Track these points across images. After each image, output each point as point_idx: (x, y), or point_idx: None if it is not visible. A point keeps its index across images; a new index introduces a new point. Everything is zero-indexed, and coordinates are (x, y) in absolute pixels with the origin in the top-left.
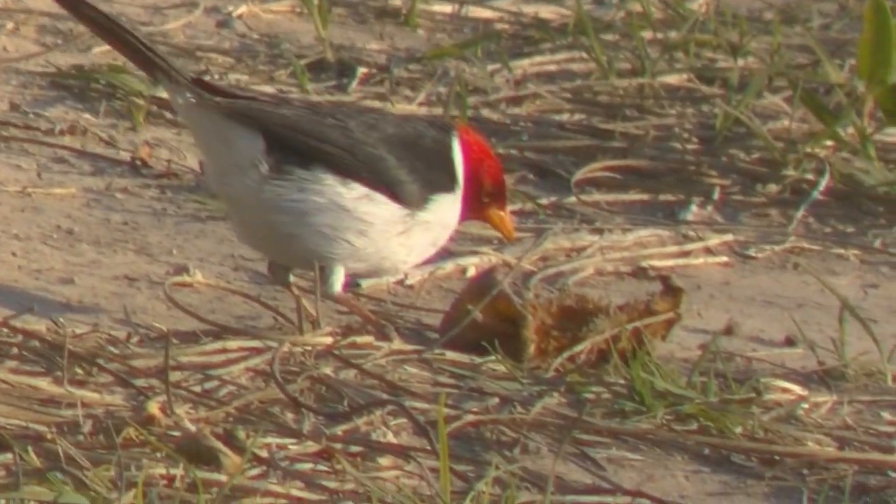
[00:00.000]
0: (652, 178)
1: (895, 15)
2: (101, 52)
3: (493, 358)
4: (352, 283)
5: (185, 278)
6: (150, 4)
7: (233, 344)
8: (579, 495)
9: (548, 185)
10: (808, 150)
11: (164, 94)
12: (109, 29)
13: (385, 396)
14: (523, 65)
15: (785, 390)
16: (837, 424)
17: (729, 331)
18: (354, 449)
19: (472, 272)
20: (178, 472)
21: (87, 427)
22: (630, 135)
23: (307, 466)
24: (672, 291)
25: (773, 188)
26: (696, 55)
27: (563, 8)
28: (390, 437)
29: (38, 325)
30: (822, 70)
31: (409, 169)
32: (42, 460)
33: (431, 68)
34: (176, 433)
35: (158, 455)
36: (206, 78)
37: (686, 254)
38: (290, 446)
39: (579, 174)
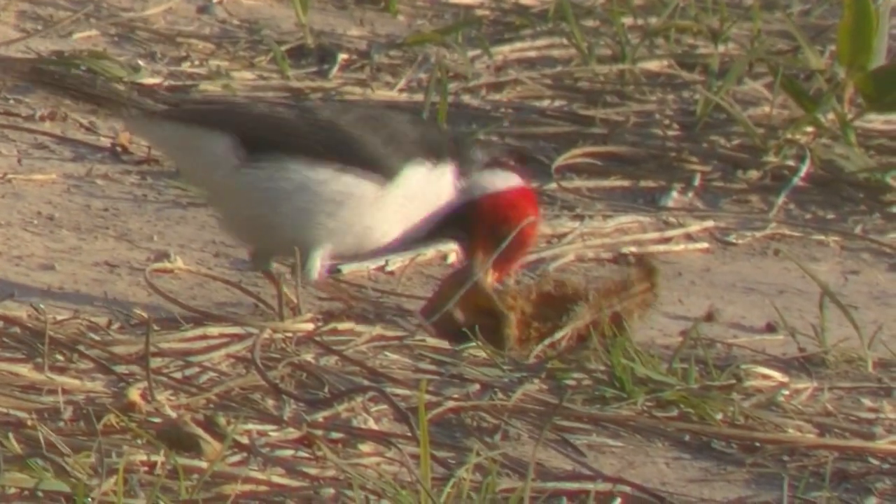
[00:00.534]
0: (632, 164)
1: (875, 0)
2: (82, 38)
3: (473, 345)
4: (332, 268)
5: (166, 264)
6: None
7: (213, 330)
8: (560, 482)
9: (528, 172)
10: (789, 136)
11: (144, 80)
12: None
13: (366, 383)
14: (504, 51)
15: (765, 377)
16: (818, 411)
17: (709, 317)
18: (335, 435)
19: (452, 258)
20: (158, 458)
21: (67, 413)
22: (611, 121)
23: (288, 453)
24: (647, 270)
25: (753, 174)
26: (676, 41)
27: None
28: (371, 424)
29: (19, 311)
30: (803, 56)
31: (381, 144)
32: (22, 447)
33: (412, 54)
34: (157, 420)
35: (139, 441)
36: (187, 64)
37: (667, 240)
38: (271, 433)
39: (560, 160)
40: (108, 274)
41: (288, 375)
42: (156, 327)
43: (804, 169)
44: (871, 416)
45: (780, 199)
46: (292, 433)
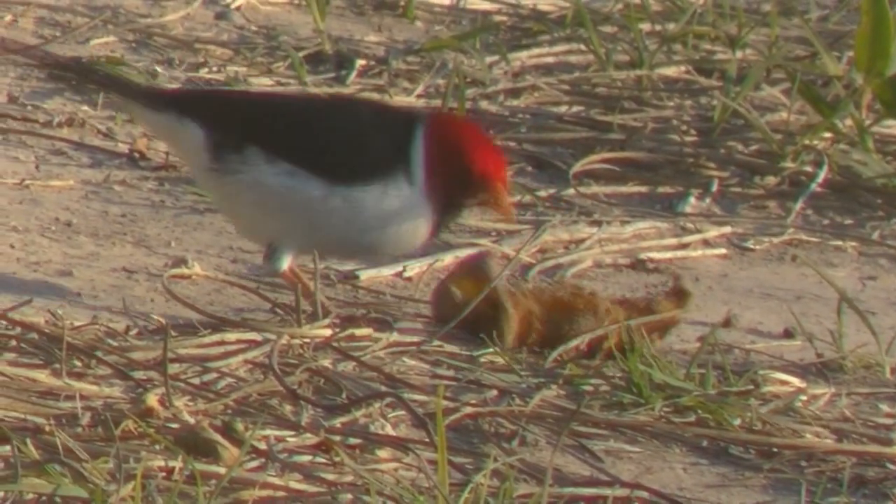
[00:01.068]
0: (650, 170)
1: (893, 6)
2: (99, 44)
3: (491, 350)
4: (350, 274)
5: (184, 270)
6: None
7: (231, 336)
8: (577, 487)
9: (546, 177)
10: (807, 142)
11: (162, 85)
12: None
13: (383, 388)
14: (521, 57)
15: (783, 382)
16: (835, 416)
17: (727, 323)
18: (353, 441)
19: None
20: (176, 464)
21: (85, 419)
22: (628, 127)
23: (305, 458)
24: (680, 293)
25: (771, 180)
26: (694, 47)
27: (561, 0)
28: (388, 430)
29: (37, 317)
30: (820, 62)
31: (341, 149)
32: (40, 452)
33: (430, 60)
34: (174, 425)
35: (157, 447)
36: (204, 70)
37: (684, 246)
38: (289, 438)
39: (577, 166)
40: (126, 280)
41: (305, 381)
42: (173, 333)
43: (822, 175)
44: (889, 421)
45: (798, 205)
46: (310, 439)
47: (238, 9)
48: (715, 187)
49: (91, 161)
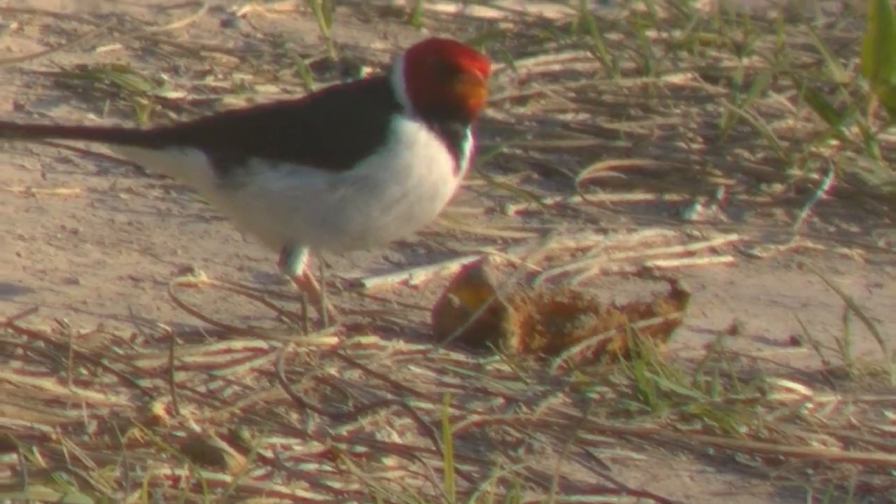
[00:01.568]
0: (656, 177)
1: None
2: (105, 52)
3: (496, 358)
4: (356, 282)
5: (190, 278)
6: (155, 4)
7: (237, 344)
8: (584, 495)
9: (552, 185)
10: (813, 149)
11: (168, 94)
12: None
13: (390, 396)
14: (528, 64)
15: (789, 390)
16: (842, 424)
17: (733, 330)
18: (359, 449)
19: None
20: (183, 472)
21: (91, 427)
22: (634, 134)
23: (312, 466)
24: (678, 295)
25: (777, 187)
26: (700, 54)
27: (568, 7)
28: (395, 437)
29: (43, 325)
30: (827, 69)
31: (334, 133)
32: (47, 460)
33: None
34: (181, 433)
35: (163, 455)
36: (210, 78)
37: (691, 253)
38: (295, 446)
39: (584, 174)
40: (132, 288)
41: (312, 389)
42: (180, 341)
43: (828, 182)
44: (895, 429)
45: (804, 213)
46: (316, 447)
47: (244, 16)
48: (721, 195)
49: (97, 169)
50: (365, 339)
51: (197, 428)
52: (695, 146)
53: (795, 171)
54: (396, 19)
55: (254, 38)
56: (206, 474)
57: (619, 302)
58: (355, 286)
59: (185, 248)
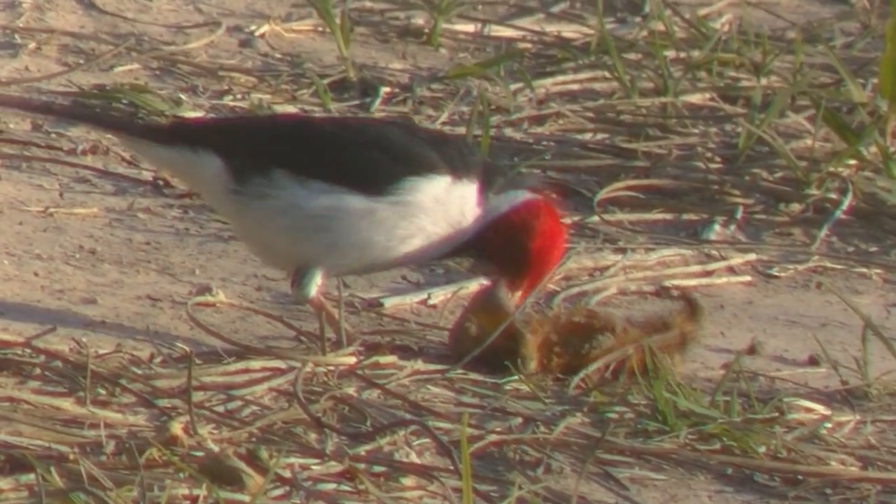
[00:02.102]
0: (675, 197)
1: None
2: (123, 72)
3: (515, 377)
4: (374, 302)
5: (208, 298)
6: (173, 24)
7: (256, 364)
8: None
9: (570, 205)
10: (831, 169)
11: (186, 114)
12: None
13: (408, 416)
14: (546, 84)
15: (808, 410)
16: (861, 444)
17: (752, 350)
18: (377, 469)
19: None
20: (201, 492)
21: (109, 447)
22: (653, 154)
23: (330, 487)
24: (693, 309)
25: (795, 207)
26: (718, 74)
27: (586, 27)
28: (413, 457)
29: (61, 345)
30: (845, 89)
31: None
32: (65, 481)
33: (454, 87)
34: (199, 453)
35: (181, 475)
36: (229, 98)
37: (709, 273)
38: (314, 466)
39: (602, 193)
40: (150, 308)
41: (330, 409)
42: (198, 361)
43: (846, 202)
44: None
45: (823, 232)
46: (335, 467)
47: (262, 36)
48: (740, 214)
49: (115, 189)
50: (383, 359)
51: (215, 448)
52: (713, 166)
53: (814, 191)
54: (415, 39)
55: (272, 57)
56: (224, 494)
57: (629, 320)
58: (374, 306)
59: (203, 267)
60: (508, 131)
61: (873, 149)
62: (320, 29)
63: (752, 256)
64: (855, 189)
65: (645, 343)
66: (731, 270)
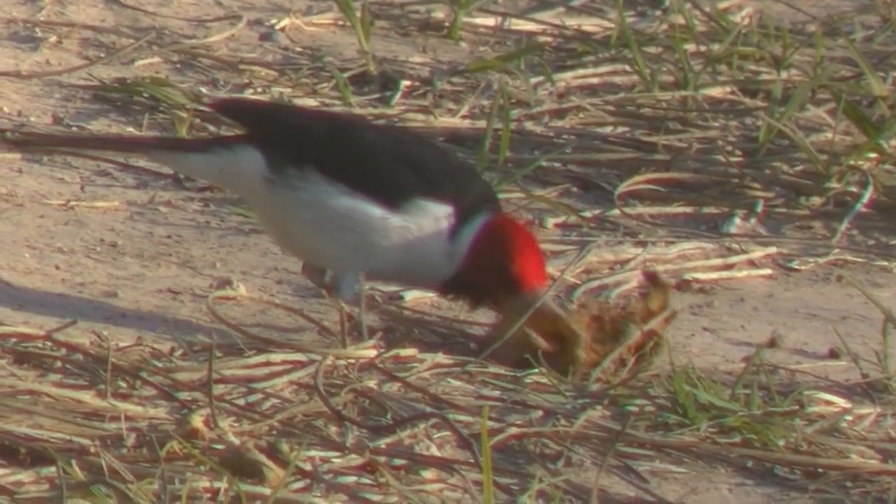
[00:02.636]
0: (695, 190)
1: None
2: (144, 65)
3: (536, 371)
4: (395, 296)
5: (229, 291)
6: (194, 18)
7: (276, 357)
8: None
9: (591, 198)
10: (852, 162)
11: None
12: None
13: (428, 409)
14: (566, 77)
15: (828, 403)
16: (881, 437)
17: (772, 343)
18: (398, 462)
19: None
20: (221, 485)
21: (130, 440)
22: (673, 147)
23: (351, 479)
24: (661, 289)
25: (816, 200)
26: (739, 67)
27: (606, 21)
28: (434, 450)
29: (82, 338)
30: (866, 82)
31: (397, 174)
32: (86, 474)
33: (474, 81)
34: (219, 446)
35: (202, 468)
36: (249, 91)
37: (729, 266)
38: (334, 459)
39: (622, 187)
40: (171, 301)
41: (350, 402)
42: (218, 354)
43: (867, 195)
44: None
45: (843, 226)
46: (355, 460)
47: (283, 30)
48: (760, 208)
49: (136, 182)
50: (403, 352)
51: (236, 441)
52: (733, 159)
53: (834, 185)
54: (435, 33)
55: (292, 51)
56: (245, 487)
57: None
58: (394, 299)
59: (223, 260)
60: (529, 125)
61: (894, 142)
62: (340, 22)
63: (772, 250)
64: (875, 182)
65: (646, 328)
66: (752, 264)
